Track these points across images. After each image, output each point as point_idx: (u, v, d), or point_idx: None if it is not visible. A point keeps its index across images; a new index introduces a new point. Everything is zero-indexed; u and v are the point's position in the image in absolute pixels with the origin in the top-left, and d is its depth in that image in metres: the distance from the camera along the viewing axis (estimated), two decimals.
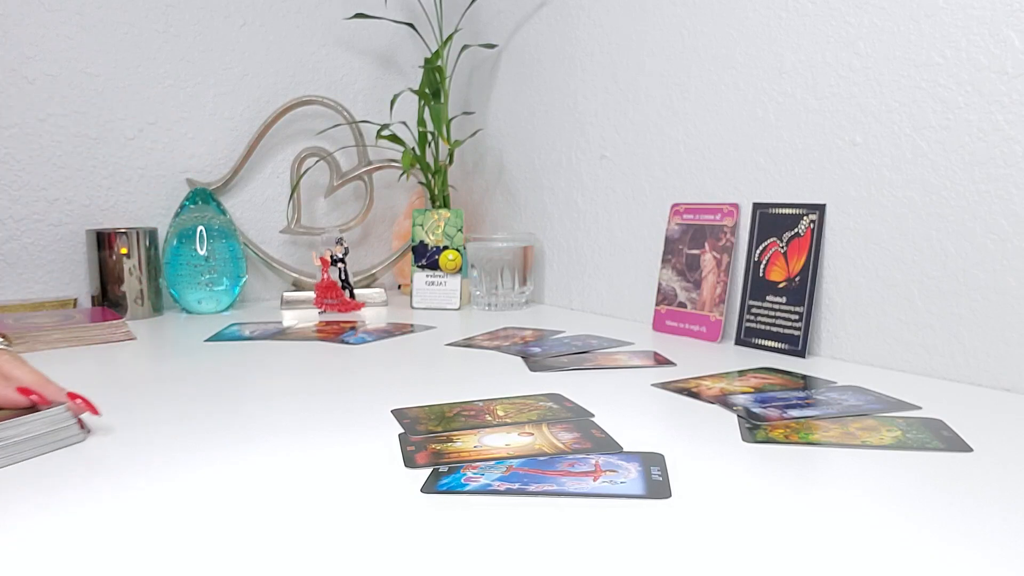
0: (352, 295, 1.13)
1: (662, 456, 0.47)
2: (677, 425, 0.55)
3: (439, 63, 1.16)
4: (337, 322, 1.02)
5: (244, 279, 1.14)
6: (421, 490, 0.42)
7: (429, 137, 1.18)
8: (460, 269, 1.14)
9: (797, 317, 0.77)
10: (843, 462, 0.47)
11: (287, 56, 1.25)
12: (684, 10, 0.91)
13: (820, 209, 0.77)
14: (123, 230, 1.06)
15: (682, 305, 0.90)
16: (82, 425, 0.53)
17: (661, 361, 0.75)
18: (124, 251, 1.05)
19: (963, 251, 0.66)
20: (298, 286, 1.22)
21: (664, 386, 0.65)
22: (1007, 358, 0.64)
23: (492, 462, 0.46)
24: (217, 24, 1.19)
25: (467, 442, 0.50)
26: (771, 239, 0.81)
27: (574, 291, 1.12)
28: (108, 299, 1.05)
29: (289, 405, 0.60)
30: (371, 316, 1.07)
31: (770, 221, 0.82)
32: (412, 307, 1.15)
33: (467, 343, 0.86)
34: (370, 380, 0.69)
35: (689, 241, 0.91)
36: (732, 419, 0.56)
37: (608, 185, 1.04)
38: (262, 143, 1.22)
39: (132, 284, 1.05)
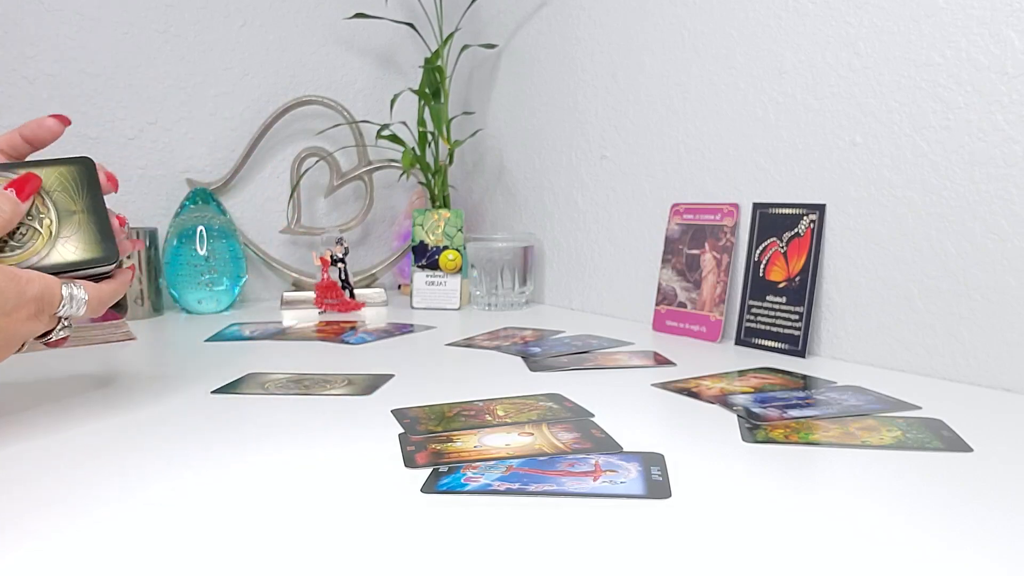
0: (352, 295, 1.14)
1: (662, 456, 0.47)
2: (677, 425, 0.55)
3: (439, 63, 1.16)
4: (337, 322, 1.02)
5: (244, 279, 1.14)
6: (421, 490, 0.42)
7: (429, 137, 1.19)
8: (460, 269, 1.14)
9: (797, 317, 0.77)
10: (843, 462, 0.47)
11: (287, 56, 1.25)
12: (684, 10, 0.91)
13: (820, 209, 0.77)
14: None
15: (682, 305, 0.90)
16: None
17: (661, 361, 0.75)
18: None
19: (963, 251, 0.66)
20: (298, 286, 1.22)
21: (664, 386, 0.65)
22: (1007, 358, 0.64)
23: (492, 462, 0.46)
24: (217, 24, 1.19)
25: (467, 442, 0.50)
26: (771, 239, 0.81)
27: (574, 291, 1.12)
28: None
29: (289, 405, 0.60)
30: (371, 316, 1.07)
31: (770, 221, 0.82)
32: (412, 307, 1.15)
33: (467, 343, 0.86)
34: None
35: (689, 241, 0.91)
36: (732, 419, 0.56)
37: (608, 185, 1.05)
38: (262, 143, 1.22)
39: (132, 284, 1.05)
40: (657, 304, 0.94)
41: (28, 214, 0.53)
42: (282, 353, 0.81)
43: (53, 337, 0.54)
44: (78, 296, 0.53)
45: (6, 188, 0.52)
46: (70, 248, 0.53)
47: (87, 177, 0.55)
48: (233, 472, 0.46)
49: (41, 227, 0.53)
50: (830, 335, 0.77)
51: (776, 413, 0.56)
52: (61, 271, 0.53)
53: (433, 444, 0.50)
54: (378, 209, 1.34)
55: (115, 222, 0.57)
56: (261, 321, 1.02)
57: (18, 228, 0.52)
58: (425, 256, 1.15)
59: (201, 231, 1.08)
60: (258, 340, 0.88)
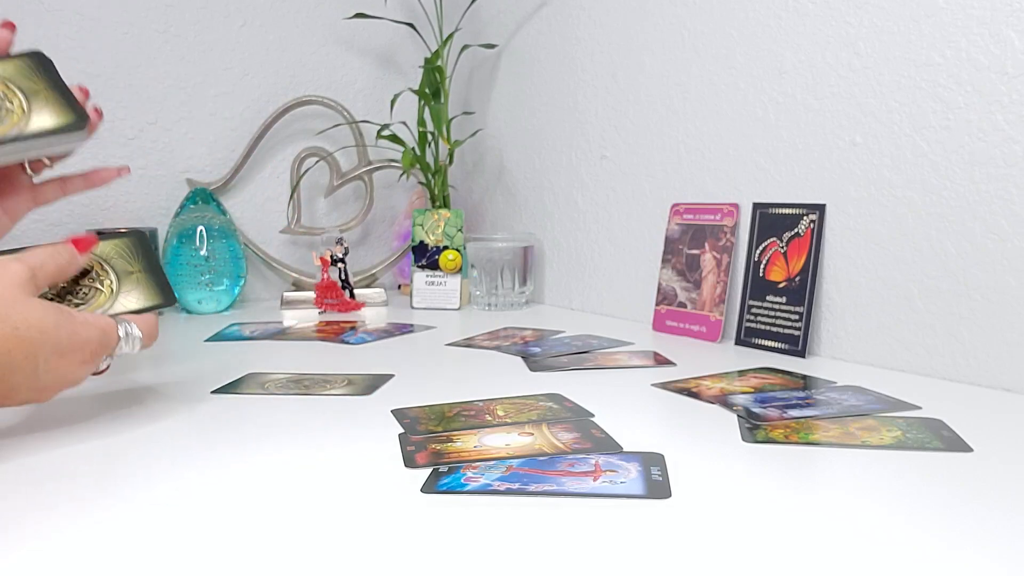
0: (352, 295, 1.13)
1: (662, 456, 0.47)
2: (677, 425, 0.55)
3: (439, 63, 1.16)
4: (337, 322, 1.02)
5: (244, 279, 1.14)
6: (421, 490, 0.42)
7: (429, 137, 1.19)
8: (460, 269, 1.14)
9: (797, 317, 0.77)
10: (843, 462, 0.47)
11: (287, 56, 1.25)
12: (684, 10, 0.91)
13: (820, 209, 0.77)
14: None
15: (682, 305, 0.90)
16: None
17: (661, 361, 0.75)
18: None
19: (963, 251, 0.66)
20: (298, 286, 1.22)
21: (664, 386, 0.65)
22: (1007, 358, 0.64)
23: (492, 462, 0.46)
24: (217, 24, 1.19)
25: (467, 442, 0.50)
26: (771, 239, 0.81)
27: (574, 291, 1.12)
28: None
29: (289, 405, 0.60)
30: (371, 316, 1.07)
31: (770, 221, 0.82)
32: (412, 307, 1.15)
33: (467, 343, 0.86)
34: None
35: (689, 241, 0.91)
36: (732, 419, 0.56)
37: (608, 185, 1.05)
38: (262, 143, 1.22)
39: None
40: (657, 304, 0.94)
41: (89, 276, 0.56)
42: (282, 353, 0.81)
43: (99, 368, 0.54)
44: (133, 334, 0.54)
45: (66, 242, 0.54)
46: (131, 299, 0.57)
47: (142, 246, 0.60)
48: (233, 472, 0.46)
49: (103, 286, 0.56)
50: (830, 335, 0.77)
51: (776, 413, 0.56)
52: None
53: (433, 444, 0.50)
54: (378, 209, 1.34)
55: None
56: (261, 321, 1.02)
57: (80, 288, 0.56)
58: (425, 256, 1.15)
59: (201, 231, 1.08)
60: (258, 340, 0.89)
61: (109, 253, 0.58)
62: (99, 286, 0.56)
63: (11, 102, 0.58)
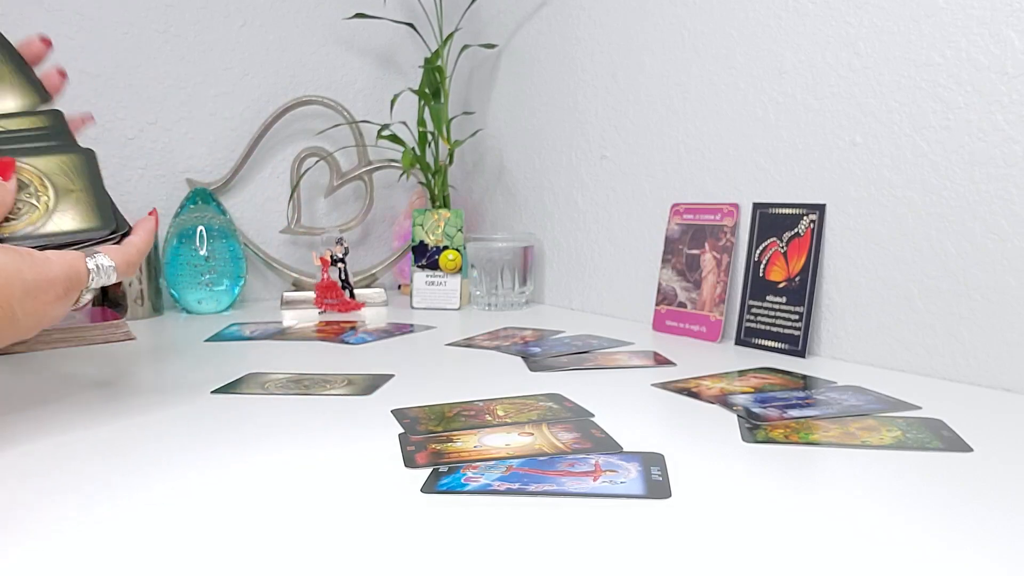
0: (352, 295, 1.13)
1: (662, 456, 0.47)
2: (677, 425, 0.55)
3: (439, 63, 1.16)
4: (337, 322, 1.02)
5: (244, 279, 1.14)
6: (421, 490, 0.42)
7: (429, 137, 1.19)
8: (460, 269, 1.14)
9: (797, 317, 0.77)
10: (843, 462, 0.47)
11: (287, 56, 1.25)
12: (684, 10, 0.91)
13: (820, 209, 0.77)
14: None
15: (682, 305, 0.90)
16: None
17: (661, 361, 0.75)
18: None
19: (963, 251, 0.66)
20: (298, 286, 1.22)
21: (664, 386, 0.65)
22: (1007, 358, 0.64)
23: (492, 462, 0.46)
24: (217, 24, 1.19)
25: (467, 442, 0.50)
26: (771, 239, 0.81)
27: (574, 291, 1.12)
28: (108, 299, 1.05)
29: (289, 405, 0.60)
30: (371, 316, 1.07)
31: (770, 221, 0.82)
32: (412, 307, 1.15)
33: (467, 343, 0.86)
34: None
35: (689, 241, 0.91)
36: (732, 419, 0.56)
37: (608, 185, 1.05)
38: (262, 143, 1.22)
39: (132, 284, 1.05)
40: (657, 304, 0.94)
41: (27, 191, 0.54)
42: (282, 353, 0.81)
43: (79, 304, 0.53)
44: (105, 265, 0.52)
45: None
46: (67, 219, 0.54)
47: (87, 166, 0.57)
48: (233, 472, 0.46)
49: (38, 203, 0.54)
50: (830, 335, 0.77)
51: (776, 413, 0.56)
52: (57, 241, 0.53)
53: (433, 444, 0.50)
54: (378, 209, 1.34)
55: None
56: (261, 321, 1.02)
57: (15, 203, 0.53)
58: (425, 256, 1.15)
59: (201, 231, 1.08)
60: (258, 340, 0.88)
61: (52, 170, 0.55)
62: (35, 203, 0.54)
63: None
